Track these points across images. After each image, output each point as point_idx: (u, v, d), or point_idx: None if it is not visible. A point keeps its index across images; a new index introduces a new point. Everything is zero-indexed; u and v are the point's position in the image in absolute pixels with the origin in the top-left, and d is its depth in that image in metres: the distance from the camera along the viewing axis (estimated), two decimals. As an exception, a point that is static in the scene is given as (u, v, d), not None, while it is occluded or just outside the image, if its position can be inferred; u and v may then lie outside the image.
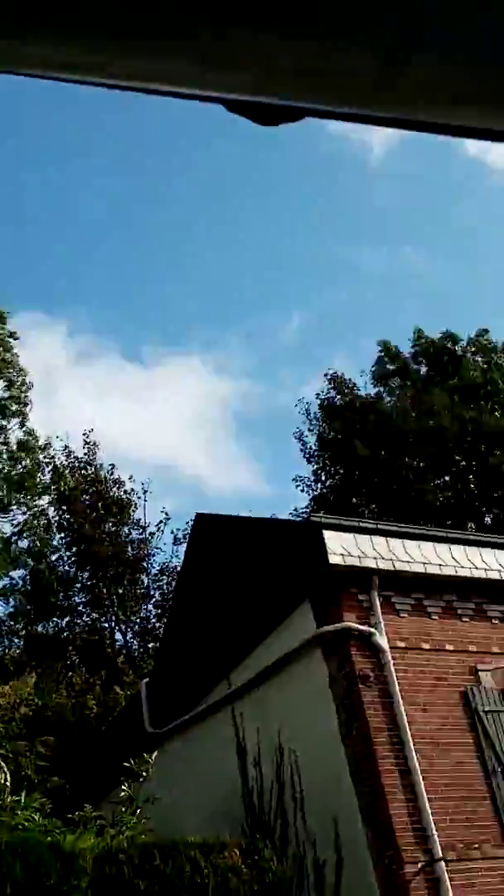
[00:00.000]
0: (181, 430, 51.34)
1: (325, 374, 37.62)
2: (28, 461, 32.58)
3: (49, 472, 33.81)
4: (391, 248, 54.04)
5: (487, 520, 34.77)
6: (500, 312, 56.21)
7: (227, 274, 52.69)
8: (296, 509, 35.21)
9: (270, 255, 52.94)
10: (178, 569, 26.76)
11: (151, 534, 34.32)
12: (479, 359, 37.96)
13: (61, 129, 47.18)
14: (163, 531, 34.58)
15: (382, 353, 38.08)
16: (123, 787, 13.56)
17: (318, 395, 37.27)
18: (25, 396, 32.62)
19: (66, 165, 48.74)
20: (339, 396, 36.80)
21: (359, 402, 36.28)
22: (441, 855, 12.52)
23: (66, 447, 34.57)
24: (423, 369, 38.20)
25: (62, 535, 34.10)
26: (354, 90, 1.17)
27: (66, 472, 34.15)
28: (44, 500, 33.75)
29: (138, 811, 13.11)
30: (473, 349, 38.29)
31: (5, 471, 32.43)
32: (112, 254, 51.69)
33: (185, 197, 51.21)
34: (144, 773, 13.71)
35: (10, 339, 31.85)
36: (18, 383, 32.28)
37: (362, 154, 51.21)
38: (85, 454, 34.76)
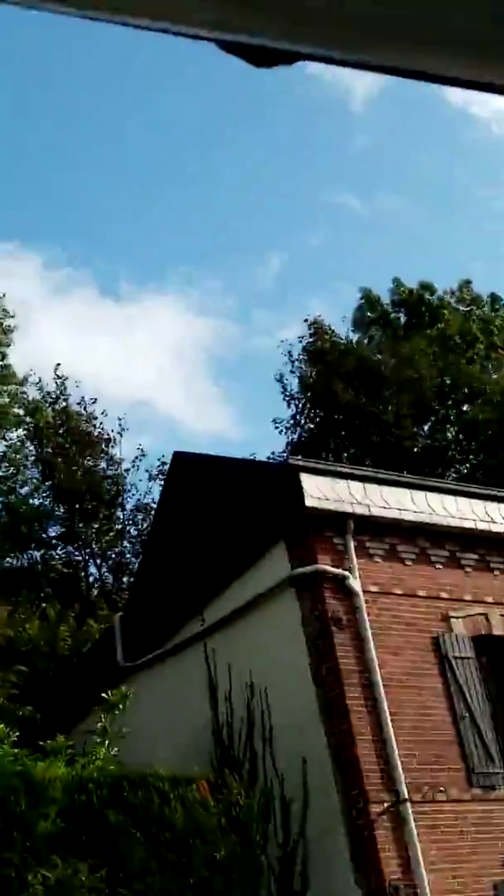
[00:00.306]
0: (157, 368, 51.17)
1: (306, 320, 37.50)
2: (5, 396, 32.41)
3: (23, 405, 33.68)
4: (370, 194, 53.85)
5: (464, 469, 34.97)
6: (475, 258, 56.14)
7: (205, 213, 52.40)
8: (273, 453, 35.27)
9: (250, 195, 52.64)
10: (154, 506, 26.83)
11: (126, 470, 34.36)
12: (461, 308, 37.94)
13: (40, 55, 46.49)
14: (138, 468, 34.58)
15: (363, 301, 37.95)
16: (101, 717, 13.66)
17: (300, 338, 37.17)
18: (8, 338, 32.37)
19: (48, 96, 48.09)
20: (319, 342, 36.66)
21: (341, 346, 36.18)
22: (407, 796, 12.77)
23: (39, 380, 34.42)
24: (403, 318, 38.14)
25: (38, 468, 34.08)
26: (349, 32, 1.12)
27: (44, 406, 34.05)
28: (20, 432, 33.66)
29: (107, 743, 13.23)
30: (455, 300, 38.23)
31: None
32: (89, 186, 51.12)
33: (166, 133, 50.69)
34: (121, 706, 13.81)
35: None
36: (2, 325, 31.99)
37: (344, 99, 50.81)
38: (57, 389, 34.60)
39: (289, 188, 52.10)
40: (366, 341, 37.70)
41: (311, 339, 36.76)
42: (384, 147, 52.21)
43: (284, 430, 36.30)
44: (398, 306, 38.34)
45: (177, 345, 52.07)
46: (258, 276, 52.60)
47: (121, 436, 34.30)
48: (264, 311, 55.06)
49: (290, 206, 52.74)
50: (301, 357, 36.61)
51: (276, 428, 36.36)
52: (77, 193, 50.86)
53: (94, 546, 33.52)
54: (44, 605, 27.42)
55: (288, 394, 36.56)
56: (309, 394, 35.84)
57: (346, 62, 1.17)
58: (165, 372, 50.81)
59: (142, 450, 35.65)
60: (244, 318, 53.66)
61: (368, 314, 38.04)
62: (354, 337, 37.74)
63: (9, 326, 32.37)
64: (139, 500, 34.11)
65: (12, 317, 32.49)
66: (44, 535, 33.85)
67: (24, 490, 33.96)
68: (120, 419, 34.91)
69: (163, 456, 32.14)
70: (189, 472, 18.02)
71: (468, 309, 37.73)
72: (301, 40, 1.15)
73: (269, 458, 33.71)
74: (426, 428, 35.94)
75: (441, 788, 13.26)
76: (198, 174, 51.77)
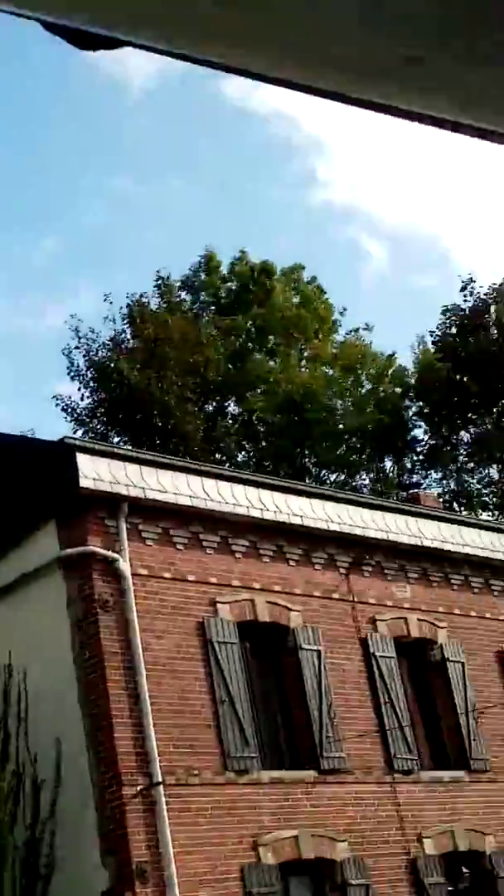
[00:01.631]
0: None
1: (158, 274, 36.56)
2: None
3: None
4: (146, 178, 53.62)
5: (240, 456, 35.28)
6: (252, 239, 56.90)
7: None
8: (53, 434, 34.67)
9: (25, 176, 51.46)
10: None
11: None
12: (295, 296, 37.45)
13: None
14: None
15: (204, 263, 37.13)
16: None
17: (140, 296, 35.82)
18: None
19: None
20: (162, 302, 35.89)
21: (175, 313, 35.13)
22: (161, 779, 12.82)
23: None
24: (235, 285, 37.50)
25: None
26: (185, 26, 1.15)
27: None
28: None
29: None
30: (287, 284, 37.69)
31: None
32: None
33: None
34: None
35: None
36: None
37: (122, 86, 50.77)
38: None
39: (66, 170, 51.54)
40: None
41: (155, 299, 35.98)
42: (161, 134, 52.38)
43: (67, 409, 35.57)
44: (235, 279, 37.71)
45: None
46: (31, 256, 51.69)
47: None
48: (35, 291, 54.22)
49: (66, 188, 52.11)
50: (91, 334, 35.59)
51: (58, 405, 35.56)
52: None
53: None
54: None
55: (74, 371, 35.71)
56: (95, 372, 35.15)
57: (174, 54, 1.21)
58: None
59: None
60: (12, 297, 52.77)
61: (204, 276, 37.19)
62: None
63: None
64: None
65: None
66: None
67: None
68: None
69: None
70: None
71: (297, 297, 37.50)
72: (133, 29, 1.18)
73: (47, 436, 33.00)
74: (207, 413, 35.88)
75: (195, 772, 13.35)
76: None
